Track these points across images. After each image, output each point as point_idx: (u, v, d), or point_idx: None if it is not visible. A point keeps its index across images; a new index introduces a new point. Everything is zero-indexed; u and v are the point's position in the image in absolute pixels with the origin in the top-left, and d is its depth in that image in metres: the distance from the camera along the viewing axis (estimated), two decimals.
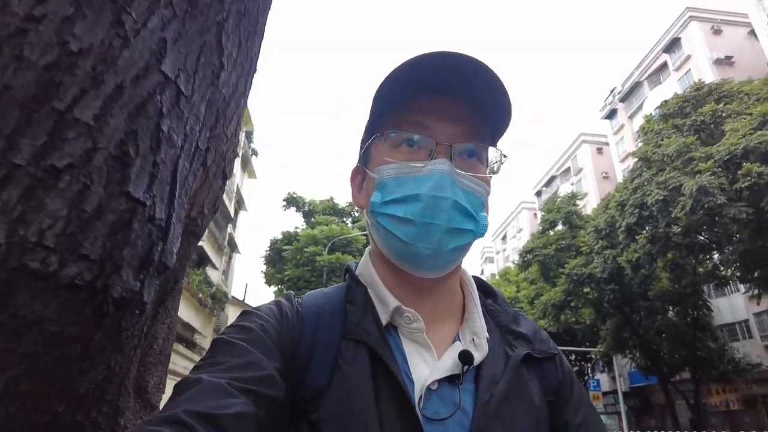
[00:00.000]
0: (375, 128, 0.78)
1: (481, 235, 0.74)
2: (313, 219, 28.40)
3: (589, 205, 36.10)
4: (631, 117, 37.92)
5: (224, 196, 15.90)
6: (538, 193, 53.29)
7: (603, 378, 31.53)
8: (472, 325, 0.76)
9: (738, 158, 12.29)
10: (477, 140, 0.75)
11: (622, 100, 39.88)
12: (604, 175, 42.26)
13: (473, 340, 0.74)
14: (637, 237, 16.10)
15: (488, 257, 71.81)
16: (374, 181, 0.75)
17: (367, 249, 0.85)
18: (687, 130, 15.59)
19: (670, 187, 13.45)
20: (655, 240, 15.29)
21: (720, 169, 12.70)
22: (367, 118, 0.80)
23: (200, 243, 13.00)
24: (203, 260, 19.77)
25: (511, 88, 0.72)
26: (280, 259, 24.75)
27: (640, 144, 18.72)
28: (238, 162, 25.70)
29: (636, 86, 38.47)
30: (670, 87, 34.58)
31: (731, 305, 26.83)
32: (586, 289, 20.17)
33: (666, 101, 18.32)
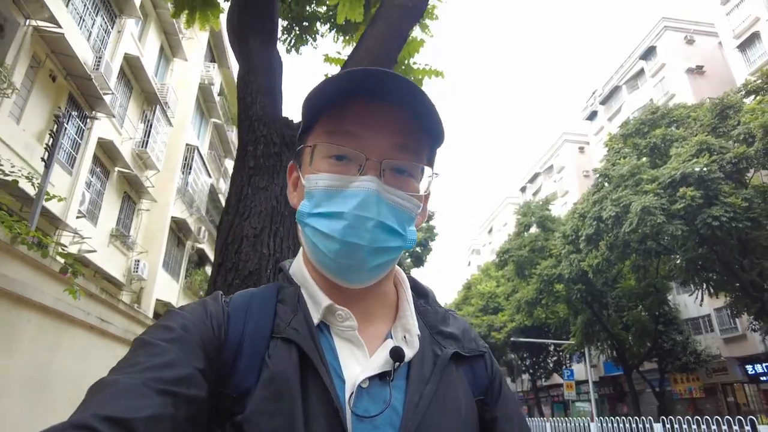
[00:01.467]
0: (309, 130, 0.78)
1: (409, 247, 0.74)
2: None
3: (569, 203, 37.81)
4: (610, 119, 39.55)
5: (221, 197, 17.79)
6: (523, 189, 55.26)
7: (580, 367, 33.39)
8: (405, 323, 0.76)
9: (677, 182, 14.09)
10: (409, 155, 0.73)
11: (602, 102, 41.41)
12: (585, 173, 43.70)
13: (405, 337, 0.75)
14: (600, 243, 17.88)
15: (475, 249, 73.59)
16: (304, 188, 0.74)
17: (300, 249, 0.83)
18: (643, 150, 17.34)
19: (622, 205, 15.23)
20: (613, 248, 17.08)
21: (662, 191, 14.47)
22: (301, 117, 0.78)
23: (201, 245, 14.61)
24: (203, 261, 21.30)
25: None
26: None
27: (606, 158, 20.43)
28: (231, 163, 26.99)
29: (615, 90, 39.99)
30: (647, 93, 36.30)
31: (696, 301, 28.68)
32: (558, 286, 21.85)
33: (626, 122, 20.00)
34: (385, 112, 0.72)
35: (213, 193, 21.62)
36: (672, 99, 34.21)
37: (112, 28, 12.38)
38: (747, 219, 13.66)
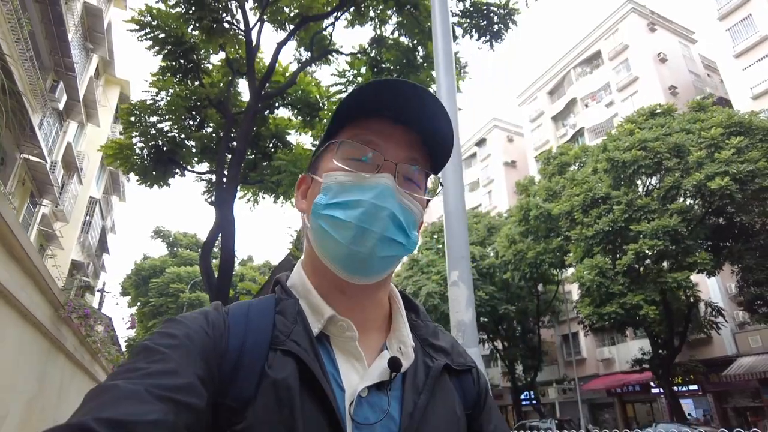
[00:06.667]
0: (333, 136, 0.82)
1: (410, 251, 0.78)
2: (176, 250, 32.99)
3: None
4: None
5: (109, 233, 23.70)
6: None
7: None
8: (399, 335, 0.80)
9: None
10: (419, 165, 0.79)
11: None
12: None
13: (400, 348, 0.78)
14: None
15: None
16: (320, 185, 0.78)
17: (298, 261, 0.87)
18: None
19: (418, 287, 22.52)
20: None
21: (442, 281, 22.01)
22: (323, 133, 0.83)
23: (86, 278, 19.85)
24: (86, 290, 24.35)
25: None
26: (145, 283, 29.57)
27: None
28: (116, 199, 30.07)
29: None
30: (476, 173, 45.68)
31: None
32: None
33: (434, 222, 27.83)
34: (400, 130, 0.78)
35: (103, 232, 24.92)
36: (491, 183, 43.92)
37: (60, 131, 16.20)
38: (488, 305, 21.67)
